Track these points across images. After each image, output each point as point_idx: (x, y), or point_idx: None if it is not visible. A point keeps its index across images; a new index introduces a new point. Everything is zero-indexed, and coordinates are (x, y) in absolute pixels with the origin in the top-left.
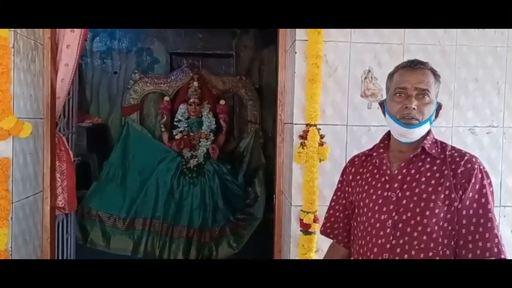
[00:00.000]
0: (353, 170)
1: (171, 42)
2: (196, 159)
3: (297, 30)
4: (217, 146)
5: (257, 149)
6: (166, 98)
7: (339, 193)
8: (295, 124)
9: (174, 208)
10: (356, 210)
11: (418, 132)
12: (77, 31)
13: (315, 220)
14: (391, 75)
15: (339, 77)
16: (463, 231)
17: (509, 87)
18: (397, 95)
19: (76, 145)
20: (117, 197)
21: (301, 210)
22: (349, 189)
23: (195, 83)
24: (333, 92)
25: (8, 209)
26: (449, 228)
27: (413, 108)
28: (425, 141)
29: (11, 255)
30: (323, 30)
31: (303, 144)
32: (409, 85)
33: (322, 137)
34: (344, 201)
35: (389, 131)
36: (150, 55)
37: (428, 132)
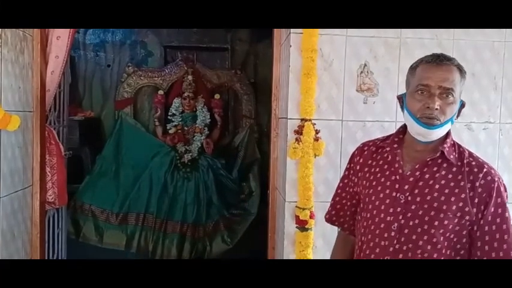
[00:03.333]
0: (361, 160)
1: (165, 36)
2: (191, 153)
3: None
4: (212, 140)
5: (252, 143)
6: (161, 92)
7: (346, 181)
8: (290, 119)
9: (167, 203)
10: (361, 204)
11: (438, 133)
12: None
13: (311, 216)
14: (413, 69)
15: (334, 71)
16: (486, 248)
17: (507, 83)
18: (419, 92)
19: (68, 139)
20: (110, 192)
21: (296, 206)
22: (355, 180)
23: (190, 77)
24: (328, 87)
25: None
26: (455, 240)
27: (436, 109)
28: (444, 145)
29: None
30: None
31: (298, 140)
32: (432, 83)
33: (317, 132)
34: (351, 190)
35: (404, 125)
36: (144, 48)
37: (448, 134)
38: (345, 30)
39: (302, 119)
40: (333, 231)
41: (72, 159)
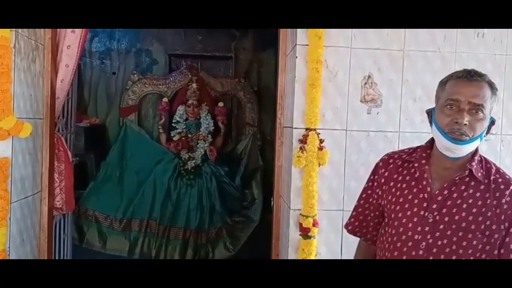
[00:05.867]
0: (386, 174)
1: (170, 44)
2: (194, 160)
3: (298, 34)
4: (215, 147)
5: (255, 151)
6: (165, 99)
7: (369, 191)
8: (295, 128)
9: (170, 209)
10: (386, 219)
11: (466, 149)
12: (78, 32)
13: (315, 224)
14: (443, 83)
15: (339, 82)
16: None
17: (508, 95)
18: (448, 106)
19: (74, 145)
20: (114, 198)
21: (300, 214)
22: (380, 192)
23: (194, 85)
24: (332, 97)
25: (6, 209)
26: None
27: (465, 124)
28: (472, 163)
29: (8, 255)
30: (324, 35)
31: (302, 149)
32: (462, 98)
33: (321, 141)
34: (374, 202)
35: (431, 140)
36: (149, 56)
37: (476, 150)
38: (349, 42)
39: (307, 129)
40: (337, 239)
41: (77, 165)
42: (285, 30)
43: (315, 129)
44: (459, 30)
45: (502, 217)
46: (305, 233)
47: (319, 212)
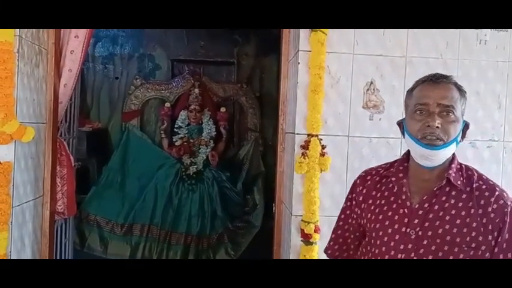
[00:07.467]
0: (364, 191)
1: (172, 49)
2: (196, 166)
3: (300, 40)
4: (217, 153)
5: (256, 156)
6: (167, 104)
7: (348, 212)
8: (297, 134)
9: (172, 214)
10: (366, 238)
11: (443, 155)
12: (81, 37)
13: (316, 230)
14: (410, 91)
15: (341, 88)
16: None
17: (510, 102)
18: (418, 112)
19: (76, 150)
20: (116, 203)
21: (301, 220)
22: (359, 211)
23: (196, 90)
24: (335, 103)
25: (8, 213)
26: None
27: (437, 127)
28: (450, 171)
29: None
30: (326, 41)
31: (304, 154)
32: (430, 101)
33: (323, 147)
34: (354, 222)
35: (407, 152)
36: (152, 61)
37: (453, 158)
38: (351, 48)
39: (309, 134)
40: None
41: (79, 169)
42: (287, 35)
43: (316, 135)
44: (461, 37)
45: (490, 227)
46: (307, 239)
47: (321, 218)
